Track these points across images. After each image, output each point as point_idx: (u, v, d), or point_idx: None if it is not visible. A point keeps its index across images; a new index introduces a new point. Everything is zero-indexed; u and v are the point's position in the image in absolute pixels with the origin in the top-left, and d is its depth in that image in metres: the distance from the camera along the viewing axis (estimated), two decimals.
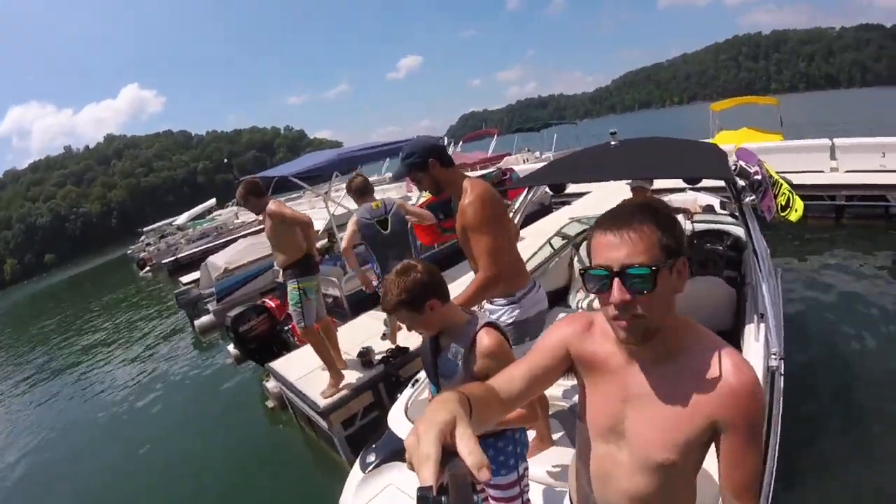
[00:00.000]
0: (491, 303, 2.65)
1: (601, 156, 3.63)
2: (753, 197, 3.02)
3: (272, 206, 4.16)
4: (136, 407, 7.68)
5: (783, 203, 3.13)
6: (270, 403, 5.74)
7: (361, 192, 4.59)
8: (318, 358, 4.26)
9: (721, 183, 3.00)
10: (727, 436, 1.06)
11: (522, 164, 15.57)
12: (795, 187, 3.91)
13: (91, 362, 11.55)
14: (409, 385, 3.11)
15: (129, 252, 39.35)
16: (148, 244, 30.34)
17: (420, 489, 0.60)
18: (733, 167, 3.05)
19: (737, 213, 3.17)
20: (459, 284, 2.62)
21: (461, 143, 21.68)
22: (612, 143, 3.64)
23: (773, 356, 2.52)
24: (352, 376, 4.35)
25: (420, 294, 1.78)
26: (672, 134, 3.97)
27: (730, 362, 1.06)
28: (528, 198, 4.19)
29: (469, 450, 0.66)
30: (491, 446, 1.87)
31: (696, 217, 5.03)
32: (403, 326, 2.30)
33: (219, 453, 5.46)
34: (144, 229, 33.52)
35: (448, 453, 0.67)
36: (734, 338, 2.85)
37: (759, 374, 2.37)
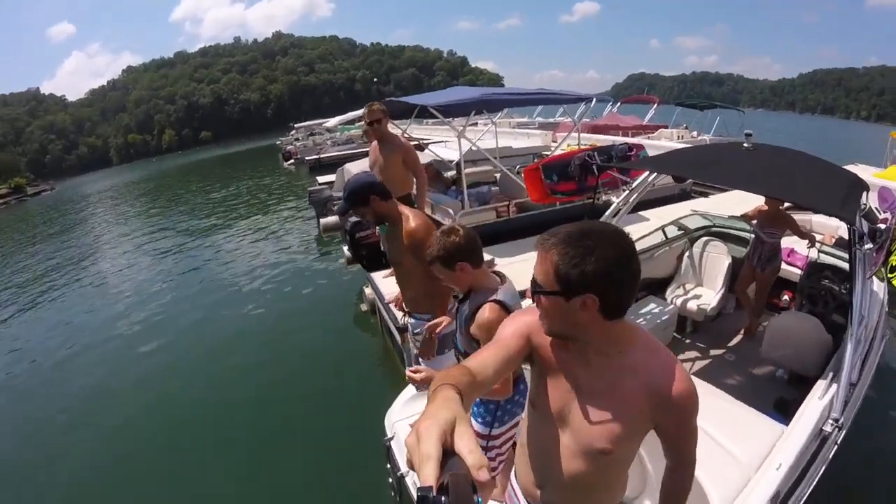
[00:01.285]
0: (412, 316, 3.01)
1: (727, 157, 3.48)
2: (871, 245, 2.77)
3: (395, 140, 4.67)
4: (250, 279, 8.76)
5: (894, 263, 2.87)
6: (364, 307, 6.28)
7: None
8: None
9: None
10: (664, 431, 1.27)
11: (675, 141, 14.74)
12: None
13: (222, 233, 13.03)
14: None
15: (278, 143, 42.02)
16: (297, 139, 32.17)
17: (420, 489, 0.61)
18: (863, 207, 2.81)
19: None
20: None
21: (619, 103, 20.82)
22: (746, 145, 3.49)
23: (831, 421, 2.42)
24: None
25: (454, 254, 2.07)
26: (841, 153, 3.62)
27: (668, 369, 1.21)
28: (647, 182, 4.13)
29: (469, 449, 0.68)
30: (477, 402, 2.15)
31: (825, 248, 4.66)
32: None
33: (307, 338, 6.25)
34: (296, 125, 35.52)
35: (448, 453, 0.68)
36: (811, 388, 2.70)
37: (808, 432, 2.33)
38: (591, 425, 1.26)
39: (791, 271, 4.71)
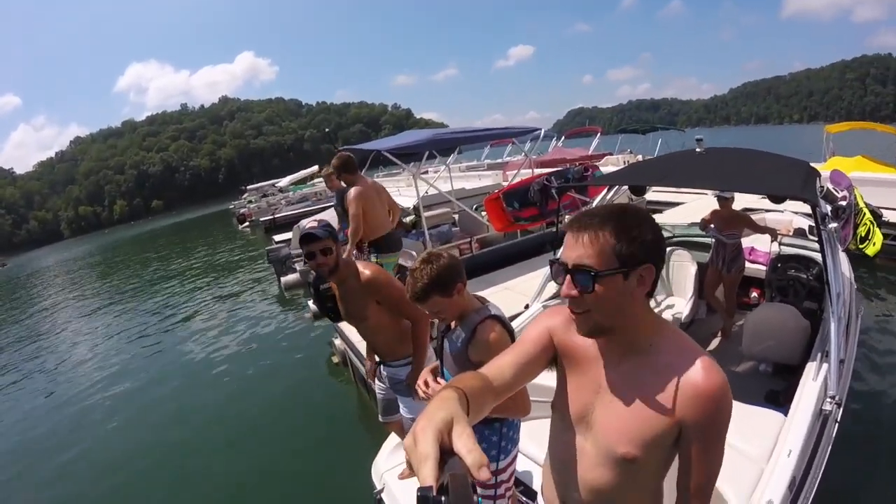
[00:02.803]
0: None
1: (684, 162, 3.59)
2: (836, 224, 2.87)
3: (356, 191, 4.60)
4: (217, 346, 8.39)
5: (863, 234, 2.96)
6: (335, 359, 6.13)
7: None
8: None
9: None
10: (689, 437, 1.09)
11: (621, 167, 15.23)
12: None
13: (183, 304, 12.57)
14: None
15: (231, 207, 41.86)
16: (250, 201, 31.90)
17: (420, 489, 0.60)
18: (820, 190, 2.91)
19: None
20: (523, 281, 2.71)
21: (563, 138, 21.40)
22: (698, 149, 3.58)
23: (829, 400, 2.43)
24: None
25: (449, 278, 1.90)
26: (783, 152, 3.75)
27: (699, 365, 1.08)
28: (608, 198, 4.19)
29: (468, 449, 0.66)
30: (476, 432, 1.95)
31: (785, 240, 4.80)
32: None
33: (279, 393, 6.08)
34: (248, 187, 35.36)
35: (447, 453, 0.67)
36: (798, 374, 2.72)
37: (810, 415, 2.32)
38: (614, 428, 1.16)
39: (755, 269, 4.82)
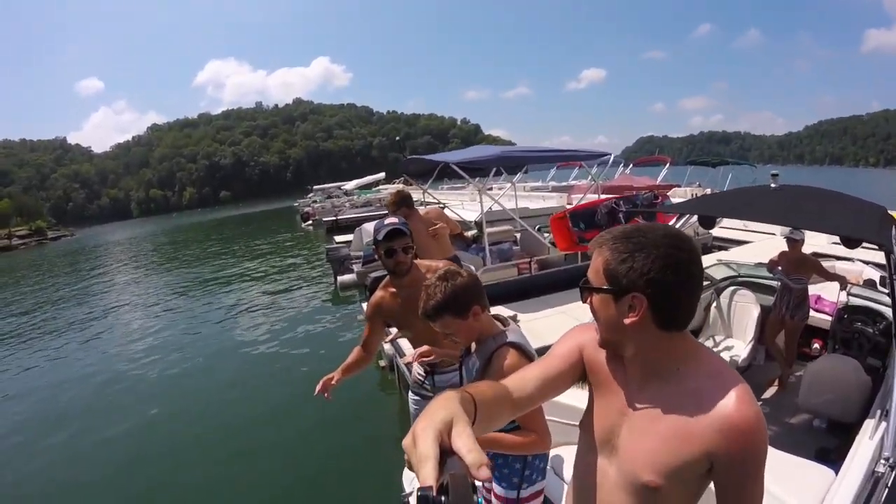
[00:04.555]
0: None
1: (756, 196, 3.53)
2: None
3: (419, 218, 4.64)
4: (267, 337, 8.62)
5: None
6: (382, 363, 6.22)
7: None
8: None
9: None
10: (722, 471, 1.02)
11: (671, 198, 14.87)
12: None
13: (239, 291, 13.06)
14: None
15: (296, 204, 42.98)
16: (314, 201, 33.00)
17: (420, 489, 0.61)
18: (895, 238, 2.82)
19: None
20: (580, 306, 2.69)
21: (631, 165, 21.09)
22: (772, 185, 3.53)
23: (883, 462, 2.30)
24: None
25: (466, 298, 1.79)
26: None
27: (732, 394, 1.00)
28: (678, 226, 4.15)
29: (468, 448, 0.66)
30: (500, 455, 1.87)
31: (854, 290, 4.60)
32: None
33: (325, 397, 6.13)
34: (315, 187, 36.48)
35: (447, 453, 0.67)
36: (853, 434, 2.59)
37: (861, 475, 2.23)
38: (638, 454, 1.10)
39: (820, 318, 4.64)
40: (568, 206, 10.47)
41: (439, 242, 4.75)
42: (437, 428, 0.68)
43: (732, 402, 0.99)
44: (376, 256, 2.63)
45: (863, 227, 2.88)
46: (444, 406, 0.75)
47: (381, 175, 32.97)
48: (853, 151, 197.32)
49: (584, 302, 1.13)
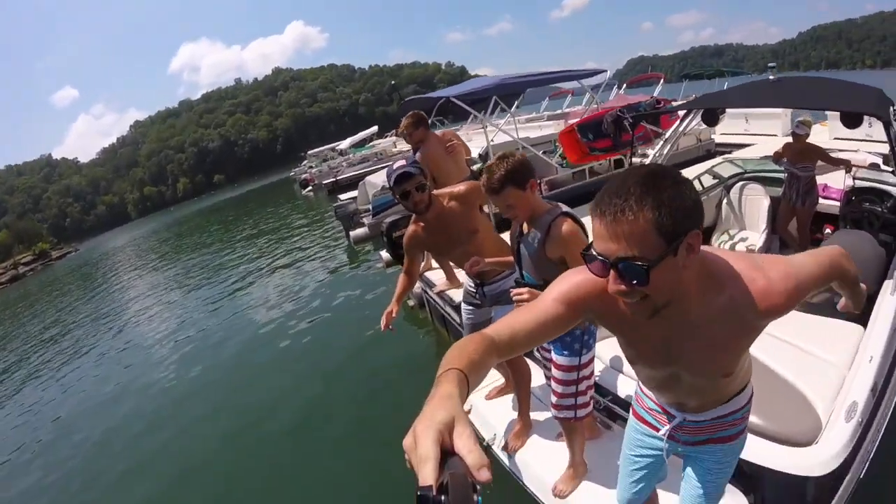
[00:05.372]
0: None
1: (757, 88, 3.62)
2: None
3: (422, 156, 4.50)
4: (293, 304, 8.66)
5: None
6: (411, 302, 6.33)
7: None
8: None
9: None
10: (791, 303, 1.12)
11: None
12: None
13: (254, 267, 12.99)
14: None
15: (291, 174, 42.70)
16: (310, 167, 32.71)
17: (420, 489, 0.61)
18: (893, 112, 2.90)
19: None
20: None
21: (625, 86, 20.78)
22: (771, 77, 3.61)
23: None
24: None
25: (523, 172, 2.02)
26: None
27: (762, 286, 1.09)
28: (682, 128, 4.23)
29: (469, 449, 0.66)
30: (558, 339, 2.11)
31: (859, 173, 4.70)
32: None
33: (361, 339, 6.35)
34: (308, 153, 36.16)
35: (447, 453, 0.67)
36: (873, 301, 2.70)
37: (889, 325, 2.40)
38: (703, 359, 1.22)
39: (829, 204, 4.74)
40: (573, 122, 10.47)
41: (456, 160, 4.73)
42: (438, 428, 0.68)
43: (768, 295, 1.09)
44: (396, 200, 2.69)
45: (861, 102, 2.99)
46: (444, 406, 0.74)
47: (374, 129, 32.67)
48: (849, 55, 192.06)
49: (641, 286, 0.98)
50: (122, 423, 6.20)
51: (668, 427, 1.51)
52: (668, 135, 4.24)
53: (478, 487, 0.63)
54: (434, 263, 5.22)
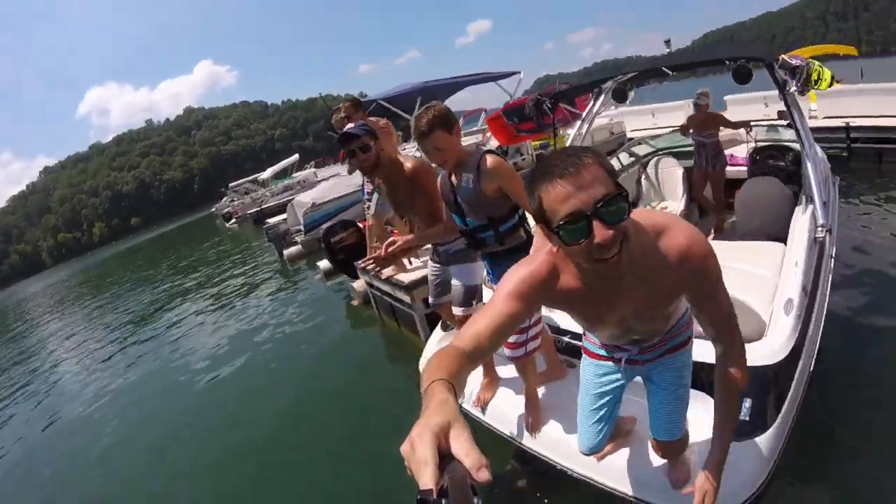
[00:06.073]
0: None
1: (658, 60, 3.97)
2: (796, 85, 3.19)
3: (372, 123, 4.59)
4: (236, 320, 8.47)
5: (815, 78, 3.32)
6: (355, 302, 6.42)
7: None
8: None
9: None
10: (699, 291, 1.32)
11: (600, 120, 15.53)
12: (873, 128, 4.28)
13: (181, 304, 11.92)
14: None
15: (213, 210, 41.74)
16: (232, 200, 32.27)
17: (420, 492, 0.61)
18: (777, 60, 3.23)
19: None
20: None
21: (521, 74, 21.62)
22: (667, 50, 3.99)
23: (820, 228, 2.77)
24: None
25: (449, 117, 2.17)
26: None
27: (683, 240, 1.23)
28: (596, 107, 4.53)
29: (466, 451, 0.67)
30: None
31: (759, 135, 5.17)
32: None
33: (313, 348, 6.18)
34: (230, 184, 35.45)
35: (445, 456, 0.68)
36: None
37: (805, 238, 2.68)
38: (647, 312, 1.40)
39: (738, 171, 5.17)
40: (487, 142, 10.85)
41: (391, 141, 4.82)
42: (435, 432, 0.69)
43: (689, 249, 1.22)
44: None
45: (748, 51, 3.39)
46: (440, 410, 0.75)
47: (295, 157, 32.33)
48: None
49: (624, 220, 1.05)
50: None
51: (625, 355, 1.66)
52: (584, 115, 4.51)
53: (477, 489, 0.63)
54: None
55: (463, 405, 2.76)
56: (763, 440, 1.83)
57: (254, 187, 31.07)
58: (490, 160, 2.18)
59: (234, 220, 27.35)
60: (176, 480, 4.23)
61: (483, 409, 2.67)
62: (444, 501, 0.60)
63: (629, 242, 1.07)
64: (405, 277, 4.60)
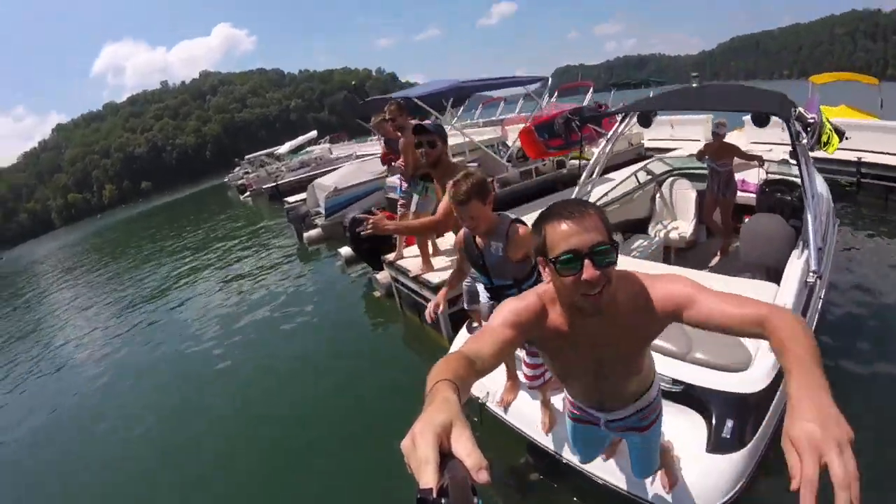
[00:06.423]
0: None
1: (683, 92, 4.29)
2: (807, 140, 3.55)
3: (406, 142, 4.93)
4: (252, 314, 8.06)
5: (825, 140, 3.68)
6: (377, 293, 6.59)
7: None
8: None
9: None
10: (689, 311, 1.28)
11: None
12: (883, 166, 4.91)
13: (204, 278, 11.95)
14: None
15: (226, 180, 41.43)
16: (247, 172, 32.08)
17: (420, 491, 0.62)
18: (794, 112, 3.57)
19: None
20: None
21: (556, 94, 21.75)
22: (694, 84, 4.28)
23: (812, 273, 3.09)
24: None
25: (486, 187, 2.36)
26: None
27: (654, 288, 1.35)
28: (621, 129, 4.85)
29: (467, 451, 0.68)
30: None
31: (771, 167, 5.49)
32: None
33: (332, 338, 6.35)
34: (246, 157, 35.16)
35: (446, 455, 0.68)
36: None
37: (797, 282, 3.02)
38: (622, 359, 1.52)
39: (747, 196, 5.51)
40: (506, 139, 11.15)
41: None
42: (437, 431, 0.69)
43: (660, 293, 1.34)
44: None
45: (767, 104, 3.70)
46: (442, 409, 0.76)
47: (314, 133, 32.01)
48: (766, 65, 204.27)
49: (612, 266, 1.24)
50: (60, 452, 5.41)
51: (602, 416, 1.82)
52: (609, 135, 4.83)
53: (477, 489, 0.64)
54: (405, 252, 5.60)
55: (487, 404, 3.16)
56: (741, 455, 2.22)
57: (269, 160, 30.58)
58: (521, 231, 2.39)
59: (248, 194, 27.22)
60: (187, 470, 4.35)
61: (505, 409, 3.05)
62: (443, 501, 0.61)
63: (610, 286, 1.24)
64: (433, 277, 4.89)
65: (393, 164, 5.62)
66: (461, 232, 2.67)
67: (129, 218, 50.22)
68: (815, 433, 0.79)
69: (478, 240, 2.53)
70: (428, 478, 0.63)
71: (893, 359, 3.83)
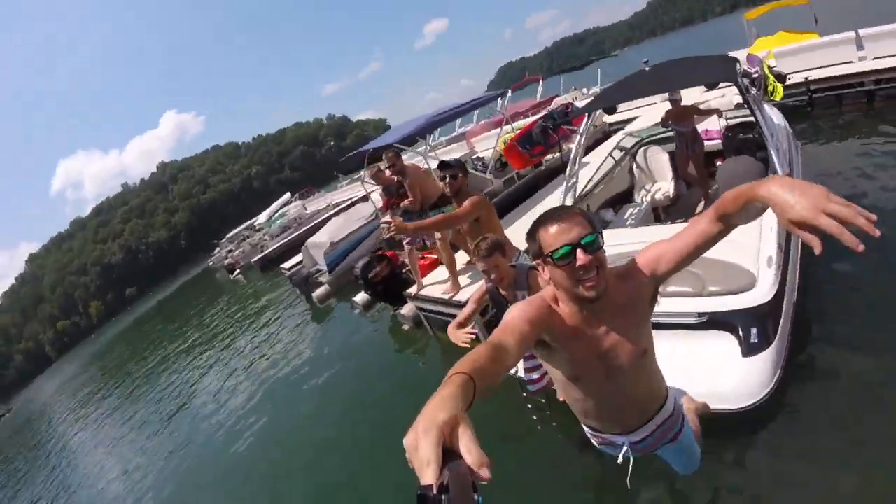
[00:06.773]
0: None
1: (639, 79, 4.76)
2: (756, 91, 4.04)
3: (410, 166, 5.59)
4: (287, 377, 8.14)
5: (770, 90, 4.17)
6: (406, 326, 6.74)
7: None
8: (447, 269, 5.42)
9: None
10: (661, 262, 1.50)
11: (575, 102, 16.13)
12: (829, 79, 5.59)
13: (223, 361, 11.81)
14: None
15: (210, 263, 40.99)
16: (230, 250, 31.72)
17: (420, 488, 0.62)
18: (738, 71, 4.01)
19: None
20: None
21: (509, 93, 22.02)
22: (646, 69, 4.79)
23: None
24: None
25: (504, 244, 2.78)
26: (710, 49, 4.92)
27: (632, 264, 1.54)
28: (589, 123, 5.30)
29: (469, 449, 0.68)
30: None
31: (728, 114, 5.98)
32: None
33: (376, 375, 6.48)
34: (227, 235, 35.18)
35: (449, 453, 0.68)
36: None
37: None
38: (629, 354, 1.56)
39: (713, 144, 5.97)
40: (472, 151, 11.71)
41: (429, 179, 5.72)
42: (439, 428, 0.70)
43: (629, 264, 1.56)
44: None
45: (714, 73, 4.21)
46: (445, 406, 0.76)
47: (288, 195, 32.06)
48: (699, 8, 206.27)
49: (600, 250, 1.41)
50: None
51: (624, 449, 1.85)
52: (581, 129, 5.29)
53: (478, 487, 0.65)
54: (425, 281, 5.92)
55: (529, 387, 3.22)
56: (770, 352, 2.65)
57: (250, 233, 30.64)
58: (540, 279, 2.51)
59: (237, 272, 26.77)
60: None
61: None
62: (444, 497, 0.62)
63: (604, 269, 1.42)
64: (462, 296, 5.10)
65: (399, 206, 6.03)
66: (483, 286, 2.98)
67: (124, 330, 48.09)
68: (803, 203, 0.98)
69: (503, 292, 2.83)
70: (429, 476, 0.64)
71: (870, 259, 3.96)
